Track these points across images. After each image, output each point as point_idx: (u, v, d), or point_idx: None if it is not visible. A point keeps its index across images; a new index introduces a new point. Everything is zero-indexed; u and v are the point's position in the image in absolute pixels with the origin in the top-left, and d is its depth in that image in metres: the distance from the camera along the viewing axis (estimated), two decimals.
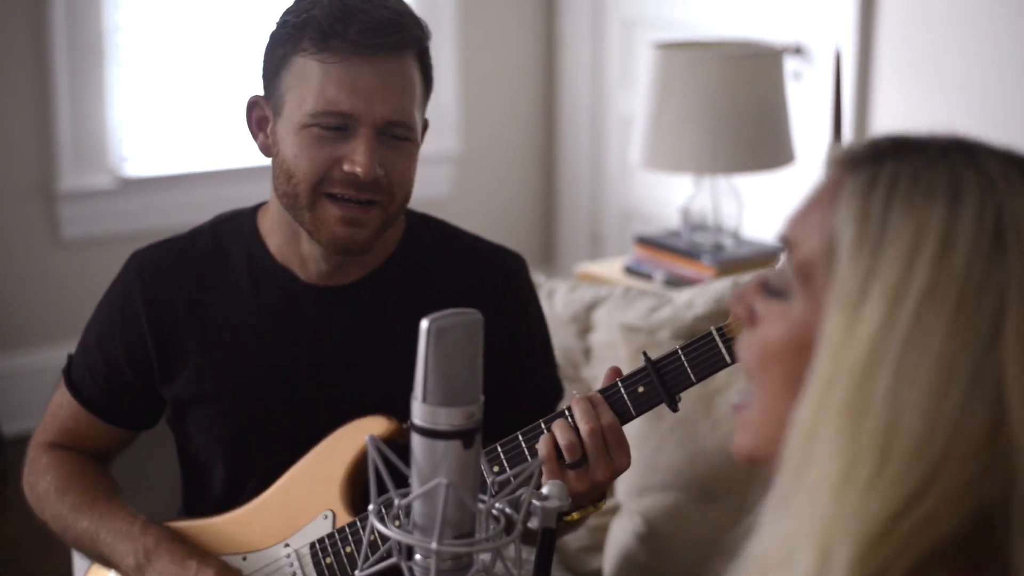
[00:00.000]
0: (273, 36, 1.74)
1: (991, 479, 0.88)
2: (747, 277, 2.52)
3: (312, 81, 1.67)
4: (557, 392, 1.91)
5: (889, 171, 0.91)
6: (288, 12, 1.73)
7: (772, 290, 0.97)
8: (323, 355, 1.80)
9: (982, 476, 0.87)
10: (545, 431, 1.61)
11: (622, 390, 1.59)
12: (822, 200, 0.94)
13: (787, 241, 0.96)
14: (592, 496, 1.62)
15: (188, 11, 4.21)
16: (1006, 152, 0.93)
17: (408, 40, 1.70)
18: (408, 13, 1.72)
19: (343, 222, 1.70)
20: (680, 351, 1.58)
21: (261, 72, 1.76)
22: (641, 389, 1.59)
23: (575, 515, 1.64)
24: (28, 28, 4.00)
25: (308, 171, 1.68)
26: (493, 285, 1.84)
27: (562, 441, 1.56)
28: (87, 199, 4.13)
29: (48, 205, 4.11)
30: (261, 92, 1.77)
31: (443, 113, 4.60)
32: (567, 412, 1.60)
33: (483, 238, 1.91)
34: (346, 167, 1.68)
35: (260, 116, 1.77)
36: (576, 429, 1.56)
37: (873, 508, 0.87)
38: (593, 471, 1.57)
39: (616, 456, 1.57)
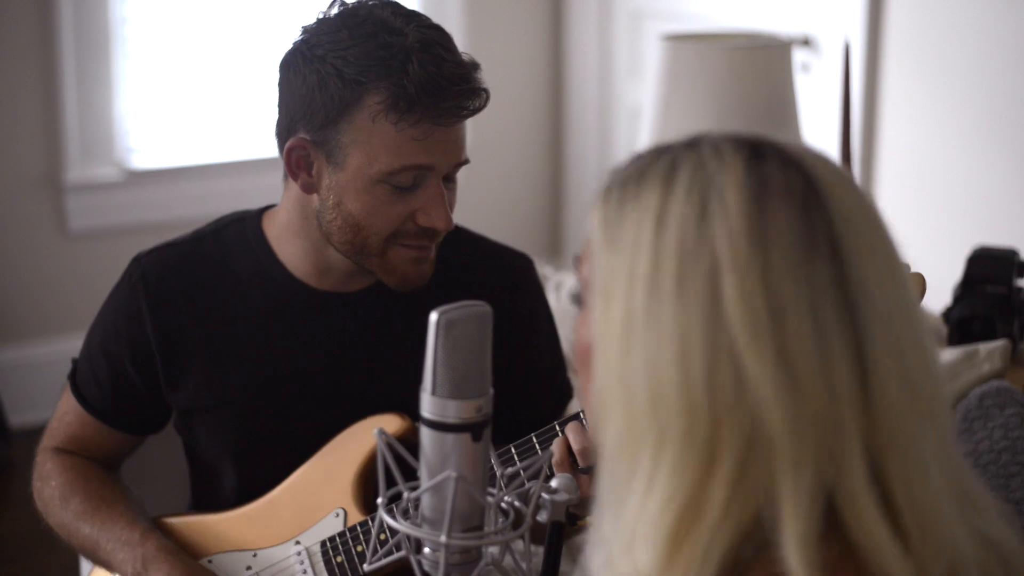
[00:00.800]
0: (325, 76, 1.63)
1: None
2: None
3: (386, 142, 1.63)
4: (567, 394, 1.90)
5: (621, 176, 0.98)
6: (338, 54, 1.62)
7: (577, 302, 1.04)
8: (335, 360, 1.78)
9: (750, 448, 0.90)
10: (560, 433, 1.59)
11: None
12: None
13: (577, 259, 1.04)
14: None
15: (195, 3, 4.21)
16: (731, 134, 0.98)
17: (483, 105, 1.68)
18: (478, 69, 1.67)
19: (415, 263, 1.71)
20: None
21: (304, 106, 1.66)
22: None
23: (586, 520, 1.62)
24: (35, 20, 3.99)
25: (384, 226, 1.67)
26: (502, 287, 1.83)
27: (575, 445, 1.53)
28: (94, 191, 4.13)
29: (55, 197, 4.11)
30: (292, 116, 1.68)
31: None
32: (582, 415, 1.58)
33: (490, 239, 1.89)
34: (422, 221, 1.67)
35: (302, 157, 1.69)
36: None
37: (661, 500, 0.90)
38: None
39: None
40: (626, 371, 0.92)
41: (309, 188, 1.71)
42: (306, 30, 1.68)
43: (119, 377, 1.81)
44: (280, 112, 1.71)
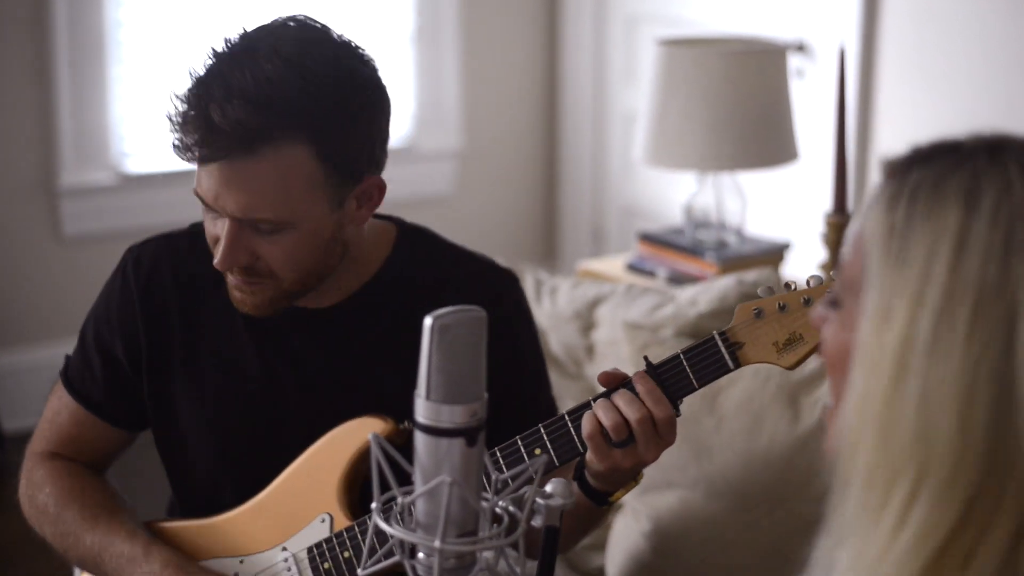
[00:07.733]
0: None
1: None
2: (751, 275, 2.51)
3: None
4: (551, 413, 1.85)
5: (913, 181, 0.91)
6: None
7: (832, 299, 0.98)
8: (307, 376, 1.78)
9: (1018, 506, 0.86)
10: (544, 436, 1.59)
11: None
12: (862, 214, 0.95)
13: (842, 253, 0.98)
14: (633, 472, 1.59)
15: (189, 7, 4.20)
16: None
17: (263, 139, 1.60)
18: (268, 107, 1.61)
19: (234, 288, 1.71)
20: (682, 356, 1.55)
21: None
22: None
23: (619, 494, 1.62)
24: (29, 24, 3.99)
25: (209, 244, 1.70)
26: (481, 302, 1.80)
27: (607, 421, 1.53)
28: (88, 195, 4.13)
29: (49, 201, 4.11)
30: None
31: (445, 109, 4.59)
32: (568, 421, 1.58)
33: (476, 253, 1.85)
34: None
35: None
36: (618, 409, 1.54)
37: (913, 540, 0.86)
38: (643, 453, 1.54)
39: (666, 436, 1.55)
40: (895, 397, 0.87)
41: None
42: None
43: (110, 365, 1.82)
44: None
